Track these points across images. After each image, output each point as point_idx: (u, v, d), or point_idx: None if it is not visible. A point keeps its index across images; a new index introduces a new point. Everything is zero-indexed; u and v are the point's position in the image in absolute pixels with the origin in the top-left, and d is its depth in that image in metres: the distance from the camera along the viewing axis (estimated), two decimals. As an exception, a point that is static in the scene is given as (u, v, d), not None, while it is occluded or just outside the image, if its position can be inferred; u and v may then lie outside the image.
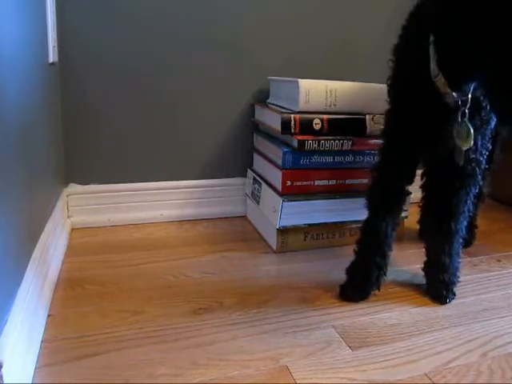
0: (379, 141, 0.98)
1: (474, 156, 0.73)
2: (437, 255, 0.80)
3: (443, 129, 0.69)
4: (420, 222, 0.80)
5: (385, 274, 0.79)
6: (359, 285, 0.79)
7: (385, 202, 0.78)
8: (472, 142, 0.67)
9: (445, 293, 0.79)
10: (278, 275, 0.88)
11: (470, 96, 0.64)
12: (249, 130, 1.16)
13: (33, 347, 0.59)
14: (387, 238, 0.78)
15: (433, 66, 0.65)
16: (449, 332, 0.71)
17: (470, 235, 1.02)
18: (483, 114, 0.69)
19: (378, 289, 0.79)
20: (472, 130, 0.66)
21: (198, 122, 1.12)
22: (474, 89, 0.64)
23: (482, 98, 0.67)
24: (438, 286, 0.80)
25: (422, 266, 0.83)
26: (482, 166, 0.76)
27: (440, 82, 0.65)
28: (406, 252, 0.99)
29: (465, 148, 0.68)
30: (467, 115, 0.65)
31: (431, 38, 0.64)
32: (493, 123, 0.72)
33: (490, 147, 0.76)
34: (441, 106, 0.67)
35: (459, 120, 0.66)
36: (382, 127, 0.81)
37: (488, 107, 0.67)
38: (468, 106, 0.65)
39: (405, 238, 1.05)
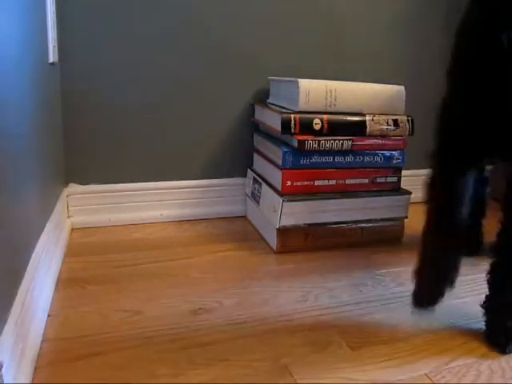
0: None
1: None
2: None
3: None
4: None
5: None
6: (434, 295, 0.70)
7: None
8: None
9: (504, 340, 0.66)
10: (278, 275, 0.88)
11: None
12: (249, 130, 1.16)
13: (33, 347, 0.59)
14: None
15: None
16: (449, 332, 0.71)
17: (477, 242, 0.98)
18: None
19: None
20: None
21: (197, 122, 1.12)
22: None
23: None
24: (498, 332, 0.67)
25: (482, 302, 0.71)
26: None
27: None
28: (405, 253, 0.99)
29: None
30: None
31: None
32: None
33: None
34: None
35: None
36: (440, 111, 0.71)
37: None
38: None
39: (403, 238, 1.06)
